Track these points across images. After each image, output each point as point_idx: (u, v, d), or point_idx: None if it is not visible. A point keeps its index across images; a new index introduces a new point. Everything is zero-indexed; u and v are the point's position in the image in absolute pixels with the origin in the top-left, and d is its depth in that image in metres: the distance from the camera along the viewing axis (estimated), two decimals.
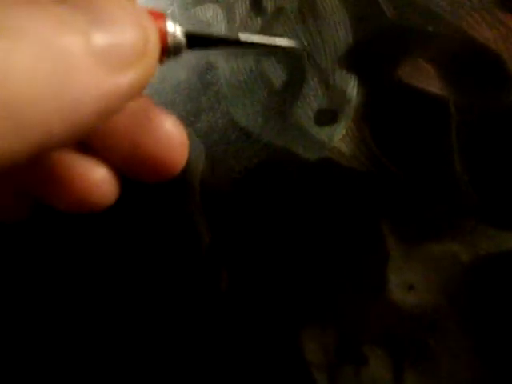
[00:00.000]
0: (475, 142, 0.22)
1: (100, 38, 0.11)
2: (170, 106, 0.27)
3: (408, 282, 0.21)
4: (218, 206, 0.25)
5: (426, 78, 0.23)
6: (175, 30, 0.15)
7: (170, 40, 0.15)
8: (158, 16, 0.14)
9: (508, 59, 0.21)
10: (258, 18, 0.26)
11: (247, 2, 0.26)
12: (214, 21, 0.27)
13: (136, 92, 0.12)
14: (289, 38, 0.24)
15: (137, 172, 0.15)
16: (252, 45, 0.19)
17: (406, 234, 0.22)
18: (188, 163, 0.26)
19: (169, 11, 0.28)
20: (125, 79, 0.11)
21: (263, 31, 0.26)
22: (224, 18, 0.27)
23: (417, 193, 0.22)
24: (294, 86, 0.25)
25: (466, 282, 0.21)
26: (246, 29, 0.26)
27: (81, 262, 0.25)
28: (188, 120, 0.26)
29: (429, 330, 0.21)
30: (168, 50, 0.15)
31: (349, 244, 0.23)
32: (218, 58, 0.26)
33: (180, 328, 0.24)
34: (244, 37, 0.18)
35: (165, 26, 0.14)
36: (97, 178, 0.15)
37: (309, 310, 0.22)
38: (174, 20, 0.15)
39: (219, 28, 0.27)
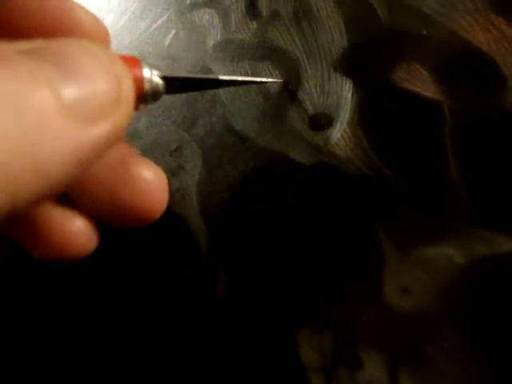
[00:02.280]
0: (469, 145, 0.22)
1: (71, 92, 0.11)
2: (166, 111, 0.27)
3: (403, 286, 0.22)
4: (214, 210, 0.25)
5: (420, 82, 0.23)
6: (151, 75, 0.14)
7: (146, 86, 0.14)
8: (133, 62, 0.14)
9: (501, 62, 0.21)
10: (254, 22, 0.26)
11: (243, 7, 0.27)
12: (210, 25, 0.27)
13: (111, 142, 0.12)
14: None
15: (115, 221, 0.15)
16: (232, 82, 0.19)
17: (401, 238, 0.22)
18: (185, 168, 0.26)
19: (164, 17, 0.28)
20: (98, 131, 0.11)
21: (258, 35, 0.26)
22: (220, 22, 0.27)
23: (412, 196, 0.22)
24: (289, 90, 0.25)
25: (461, 285, 0.21)
26: (242, 33, 0.26)
27: (78, 266, 0.26)
28: (184, 125, 0.26)
29: (424, 333, 0.21)
30: (145, 96, 0.14)
31: (344, 248, 0.23)
32: (215, 63, 0.26)
33: (177, 331, 0.24)
34: (223, 77, 0.18)
35: (141, 71, 0.14)
36: (75, 230, 0.15)
37: (305, 313, 0.23)
38: (150, 64, 0.15)
39: (215, 32, 0.27)
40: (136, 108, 0.14)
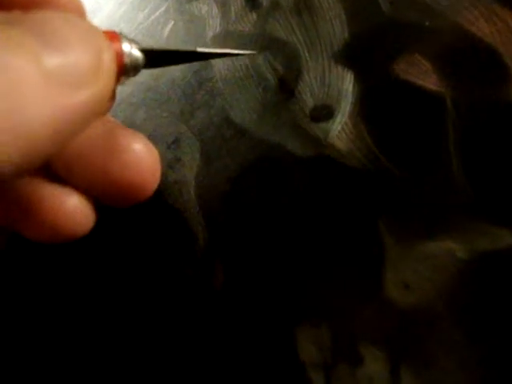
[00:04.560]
0: (472, 137, 0.21)
1: (52, 59, 0.11)
2: (164, 103, 0.26)
3: (404, 281, 0.21)
4: (213, 203, 0.25)
5: (422, 74, 0.22)
6: (131, 48, 0.15)
7: (126, 59, 0.14)
8: (113, 36, 0.14)
9: (505, 54, 0.21)
10: (253, 13, 0.26)
11: None
12: (209, 16, 0.27)
13: (94, 111, 0.12)
14: (247, 48, 0.25)
15: (109, 197, 0.15)
16: (209, 55, 0.19)
17: (402, 232, 0.22)
18: (183, 160, 0.26)
19: (163, 7, 0.28)
20: (79, 98, 0.11)
21: (258, 26, 0.25)
22: (219, 13, 0.27)
23: (413, 190, 0.22)
24: (289, 82, 0.24)
25: (462, 280, 0.21)
26: (241, 24, 0.26)
27: (77, 260, 0.25)
28: (183, 117, 0.26)
29: (425, 329, 0.21)
30: (126, 70, 0.15)
31: (345, 242, 0.22)
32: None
33: (173, 326, 0.24)
34: (201, 49, 0.18)
35: (120, 45, 0.14)
36: (70, 207, 0.14)
37: (304, 309, 0.22)
38: (130, 39, 0.15)
39: (214, 23, 0.27)
40: (117, 81, 0.14)
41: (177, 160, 0.25)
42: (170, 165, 0.25)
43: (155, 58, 0.16)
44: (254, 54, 0.24)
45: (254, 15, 0.26)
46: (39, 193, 0.14)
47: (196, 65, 0.26)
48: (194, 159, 0.25)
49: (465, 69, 0.22)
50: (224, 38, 0.26)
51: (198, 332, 0.23)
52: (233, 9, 0.26)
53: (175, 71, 0.26)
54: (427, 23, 0.23)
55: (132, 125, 0.26)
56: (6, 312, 0.25)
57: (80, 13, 0.15)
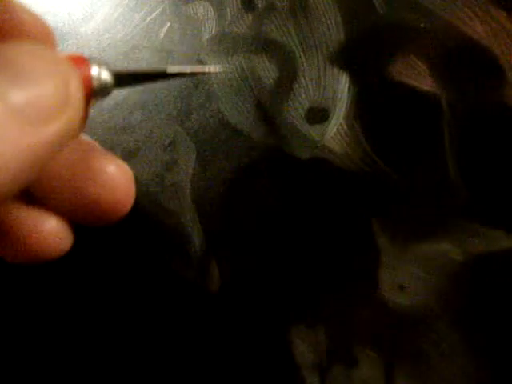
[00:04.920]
0: (467, 139, 0.21)
1: (17, 96, 0.11)
2: (160, 104, 0.26)
3: (399, 283, 0.21)
4: (208, 205, 0.25)
5: (417, 75, 0.22)
6: (100, 72, 0.14)
7: (95, 83, 0.14)
8: (80, 61, 0.14)
9: (500, 55, 0.21)
10: (249, 15, 0.26)
11: None
12: (205, 18, 0.27)
13: (64, 141, 0.12)
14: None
15: (84, 218, 0.15)
16: (181, 75, 0.19)
17: (397, 234, 0.22)
18: (179, 162, 0.26)
19: (159, 9, 0.28)
20: (48, 132, 0.11)
21: (253, 28, 0.25)
22: (215, 14, 0.27)
23: (408, 191, 0.22)
24: (284, 84, 0.24)
25: (457, 282, 0.21)
26: (237, 26, 0.26)
27: (73, 263, 0.25)
28: (179, 119, 0.26)
29: (420, 331, 0.21)
30: (95, 93, 0.15)
31: (340, 244, 0.22)
32: (209, 56, 0.26)
33: (169, 329, 0.24)
34: (172, 69, 0.18)
35: (88, 70, 0.14)
36: (47, 230, 0.14)
37: (300, 311, 0.22)
38: (98, 61, 0.15)
39: (210, 25, 0.27)
40: (88, 105, 0.14)
41: (173, 162, 0.25)
42: (166, 167, 0.25)
43: (125, 78, 0.16)
44: (225, 70, 0.24)
45: (250, 17, 0.26)
46: (15, 215, 0.14)
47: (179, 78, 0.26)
48: (190, 161, 0.25)
49: (460, 70, 0.22)
50: (220, 39, 0.26)
51: (195, 334, 0.23)
52: (229, 11, 0.26)
53: None
54: (423, 25, 0.23)
55: (128, 127, 0.26)
56: (5, 316, 0.25)
57: (48, 38, 0.15)
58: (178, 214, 0.25)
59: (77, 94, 0.12)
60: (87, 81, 0.14)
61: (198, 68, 0.23)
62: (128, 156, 0.26)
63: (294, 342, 0.22)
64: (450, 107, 0.22)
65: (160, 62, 0.27)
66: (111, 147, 0.27)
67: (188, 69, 0.19)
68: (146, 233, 0.25)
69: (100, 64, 0.15)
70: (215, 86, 0.26)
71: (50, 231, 0.15)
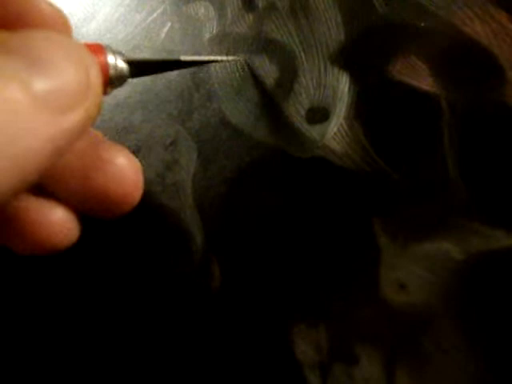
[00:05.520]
0: (467, 139, 0.21)
1: (40, 84, 0.11)
2: (161, 104, 0.26)
3: (400, 281, 0.21)
4: (210, 205, 0.25)
5: (417, 75, 0.22)
6: (116, 60, 0.15)
7: (111, 71, 0.15)
8: (97, 49, 0.14)
9: (500, 55, 0.21)
10: (250, 15, 0.26)
11: None
12: (206, 18, 0.27)
13: (83, 130, 0.12)
14: (234, 54, 0.25)
15: (92, 209, 0.15)
16: (194, 63, 0.19)
17: (398, 233, 0.22)
18: (180, 162, 0.26)
19: (160, 9, 0.28)
20: (70, 120, 0.11)
21: (254, 28, 0.25)
22: (215, 14, 0.27)
23: (409, 191, 0.22)
24: (285, 83, 0.24)
25: (458, 281, 0.21)
26: (238, 26, 0.26)
27: (73, 260, 0.25)
28: (180, 118, 0.26)
29: (421, 329, 0.21)
30: (111, 81, 0.15)
31: (341, 243, 0.22)
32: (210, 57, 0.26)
33: (170, 328, 0.24)
34: (185, 57, 0.18)
35: (105, 58, 0.14)
36: (54, 220, 0.15)
37: (300, 309, 0.22)
38: (114, 50, 0.15)
39: (211, 25, 0.27)
40: (103, 93, 0.14)
41: (174, 161, 0.26)
42: (167, 166, 0.26)
43: (140, 67, 0.16)
44: (240, 60, 0.24)
45: (251, 17, 0.26)
46: (24, 206, 0.14)
47: (193, 67, 0.26)
48: (191, 161, 0.25)
49: (460, 70, 0.22)
50: (220, 39, 0.26)
51: (196, 333, 0.23)
52: (229, 10, 0.26)
53: (172, 73, 0.27)
54: (422, 24, 0.23)
55: (129, 126, 0.27)
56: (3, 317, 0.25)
57: (65, 27, 0.15)
58: (179, 213, 0.25)
59: (96, 82, 0.13)
60: (104, 68, 0.14)
61: (210, 57, 0.23)
62: None
63: (294, 341, 0.22)
64: (450, 107, 0.22)
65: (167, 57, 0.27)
66: None
67: (201, 58, 0.19)
68: (147, 232, 0.25)
69: (116, 52, 0.15)
70: (216, 85, 0.26)
71: (57, 221, 0.15)
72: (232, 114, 0.25)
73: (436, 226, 0.21)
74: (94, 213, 0.15)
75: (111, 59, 0.15)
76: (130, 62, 0.15)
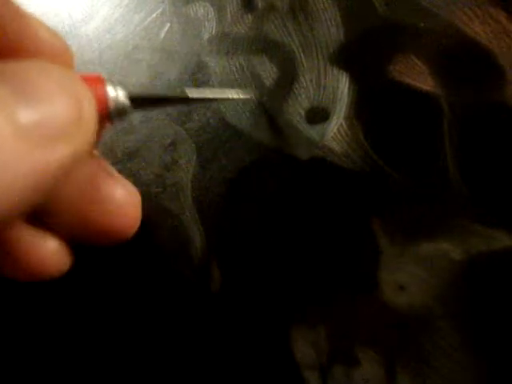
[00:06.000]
0: (467, 139, 0.21)
1: (27, 115, 0.10)
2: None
3: (399, 282, 0.21)
4: (209, 206, 0.25)
5: (418, 75, 0.22)
6: (117, 93, 0.14)
7: (111, 105, 0.14)
8: (97, 81, 0.14)
9: (500, 55, 0.21)
10: (249, 15, 0.26)
11: (238, 0, 0.26)
12: (205, 18, 0.27)
13: (74, 164, 0.12)
14: (240, 88, 0.24)
15: (88, 240, 0.15)
16: (201, 100, 0.18)
17: (397, 233, 0.22)
18: (179, 162, 0.26)
19: (159, 10, 0.28)
20: (58, 154, 0.11)
21: (254, 28, 0.25)
22: (215, 15, 0.27)
23: (408, 191, 0.22)
24: (285, 84, 0.24)
25: (457, 282, 0.21)
26: (237, 26, 0.26)
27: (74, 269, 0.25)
28: (179, 119, 0.26)
29: (421, 331, 0.21)
30: (111, 115, 0.14)
31: (340, 243, 0.22)
32: (210, 57, 0.26)
33: (170, 329, 0.24)
34: (192, 93, 0.17)
35: (104, 90, 0.14)
36: (47, 251, 0.14)
37: (300, 310, 0.22)
38: (115, 82, 0.14)
39: (210, 25, 0.27)
40: (102, 127, 0.14)
41: (173, 162, 0.25)
42: (166, 167, 0.26)
43: (143, 102, 0.16)
44: (251, 98, 0.23)
45: (250, 17, 0.26)
46: (16, 236, 0.14)
47: (192, 67, 0.26)
48: (190, 161, 0.25)
49: (460, 70, 0.22)
50: (220, 40, 0.26)
51: (196, 334, 0.23)
52: (229, 11, 0.26)
53: (171, 74, 0.27)
54: (422, 25, 0.23)
55: (129, 127, 0.27)
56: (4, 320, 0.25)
57: (66, 55, 0.14)
58: (179, 214, 0.25)
59: (89, 115, 0.12)
60: (102, 102, 0.13)
61: (219, 92, 0.22)
62: (128, 156, 0.26)
63: (294, 343, 0.22)
64: (450, 107, 0.22)
65: (160, 62, 0.27)
66: (112, 148, 0.27)
67: (209, 93, 0.18)
68: (146, 233, 0.25)
69: (117, 86, 0.14)
70: (215, 86, 0.26)
71: (49, 252, 0.14)
72: (231, 115, 0.25)
73: (436, 227, 0.21)
74: (90, 242, 0.15)
75: (111, 92, 0.14)
76: (131, 97, 0.14)
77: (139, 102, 0.15)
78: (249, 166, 0.24)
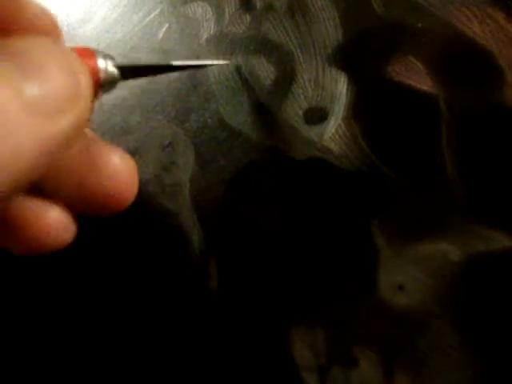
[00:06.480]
0: (466, 139, 0.21)
1: (31, 89, 0.11)
2: (159, 105, 0.26)
3: (398, 283, 0.21)
4: (208, 206, 0.25)
5: (416, 76, 0.22)
6: (106, 64, 0.15)
7: (102, 75, 0.15)
8: (88, 53, 0.15)
9: (498, 55, 0.21)
10: (248, 16, 0.26)
11: (236, 0, 0.26)
12: (203, 18, 0.27)
13: (75, 134, 0.13)
14: (224, 58, 0.25)
15: (87, 209, 0.15)
16: (184, 67, 0.19)
17: (395, 234, 0.22)
18: (178, 163, 0.26)
19: (157, 10, 0.28)
20: (60, 125, 0.12)
21: (252, 28, 0.25)
22: (213, 15, 0.27)
23: (407, 192, 0.22)
24: (283, 84, 0.24)
25: (456, 282, 0.21)
26: (235, 26, 0.26)
27: (72, 261, 0.25)
28: (177, 120, 0.26)
29: (419, 331, 0.21)
30: (102, 85, 0.15)
31: (339, 244, 0.22)
32: (208, 57, 0.26)
33: (168, 329, 0.24)
34: (176, 62, 0.18)
35: (95, 62, 0.15)
36: (50, 220, 0.15)
37: (298, 311, 0.22)
38: (104, 54, 0.15)
39: (208, 25, 0.27)
40: (95, 97, 0.15)
41: (172, 163, 0.25)
42: (164, 167, 0.26)
43: (131, 71, 0.16)
44: (232, 63, 0.25)
45: (248, 17, 0.26)
46: (19, 206, 0.14)
47: (184, 70, 0.26)
48: (188, 162, 0.25)
49: (458, 70, 0.22)
50: (218, 40, 0.26)
51: (194, 334, 0.23)
52: (227, 11, 0.26)
53: (170, 75, 0.26)
54: (420, 25, 0.23)
55: (127, 128, 0.27)
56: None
57: (54, 29, 0.15)
58: (177, 214, 0.25)
59: (87, 87, 0.13)
60: (94, 73, 0.14)
61: (200, 61, 0.23)
62: None
63: (293, 343, 0.22)
64: (448, 107, 0.22)
65: (159, 62, 0.27)
66: None
67: (191, 62, 0.19)
68: (144, 233, 0.25)
69: (106, 57, 0.15)
70: (214, 86, 0.26)
71: (52, 221, 0.15)
72: (230, 115, 0.25)
73: (434, 227, 0.21)
74: (90, 211, 0.15)
75: (101, 63, 0.15)
76: (120, 67, 0.15)
77: (127, 71, 0.16)
78: (247, 166, 0.24)
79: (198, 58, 0.26)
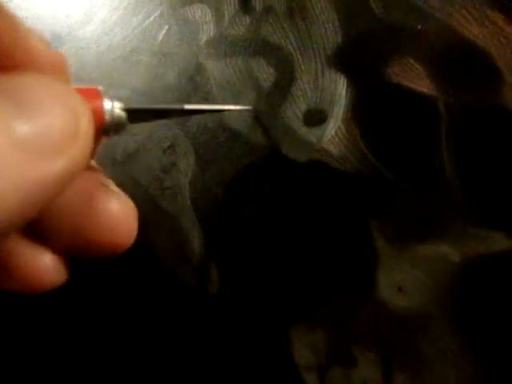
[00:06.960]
0: (465, 141, 0.21)
1: (24, 128, 0.10)
2: None
3: (397, 284, 0.21)
4: (207, 208, 0.25)
5: (415, 78, 0.22)
6: (113, 106, 0.14)
7: (108, 118, 0.14)
8: (94, 94, 0.14)
9: (497, 57, 0.21)
10: (247, 18, 0.26)
11: (236, 2, 0.26)
12: (203, 21, 0.27)
13: (71, 177, 0.12)
14: (238, 103, 0.24)
15: (83, 254, 0.15)
16: (197, 112, 0.18)
17: (395, 236, 0.22)
18: (178, 165, 0.26)
19: (157, 12, 0.28)
20: (55, 167, 0.11)
21: (251, 31, 0.25)
22: (212, 17, 0.27)
23: (406, 194, 0.22)
24: (282, 86, 0.24)
25: (455, 283, 0.21)
26: (235, 28, 0.26)
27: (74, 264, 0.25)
28: (178, 122, 0.26)
29: (418, 332, 0.21)
30: (108, 128, 0.14)
31: (338, 246, 0.22)
32: (207, 59, 0.26)
33: (168, 331, 0.24)
34: (189, 107, 0.17)
35: (101, 103, 0.14)
36: (43, 265, 0.14)
37: (298, 311, 0.22)
38: (112, 96, 0.14)
39: (208, 27, 0.27)
40: (99, 140, 0.14)
41: (172, 165, 0.26)
42: (165, 170, 0.26)
43: (140, 115, 0.16)
44: (248, 110, 0.24)
45: (248, 19, 0.26)
46: (12, 248, 0.14)
47: (190, 70, 0.26)
48: (188, 164, 0.25)
49: (457, 72, 0.22)
50: (217, 42, 0.26)
51: (194, 337, 0.24)
52: (226, 13, 0.26)
53: (169, 76, 0.27)
54: (419, 27, 0.23)
55: (128, 130, 0.27)
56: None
57: (61, 67, 0.14)
58: (177, 216, 0.25)
59: (86, 128, 0.12)
60: (99, 114, 0.13)
61: (214, 106, 0.22)
62: (127, 158, 0.26)
63: (292, 344, 0.22)
64: (447, 109, 0.22)
65: (158, 64, 0.27)
66: (111, 149, 0.27)
67: (205, 106, 0.18)
68: (144, 235, 0.25)
69: (113, 99, 0.14)
70: (214, 89, 0.26)
71: (45, 266, 0.14)
72: (229, 117, 0.25)
73: (434, 229, 0.21)
74: (85, 255, 0.15)
75: (107, 105, 0.14)
76: (128, 110, 0.14)
77: (136, 114, 0.15)
78: (247, 168, 0.24)
79: (197, 59, 0.26)
